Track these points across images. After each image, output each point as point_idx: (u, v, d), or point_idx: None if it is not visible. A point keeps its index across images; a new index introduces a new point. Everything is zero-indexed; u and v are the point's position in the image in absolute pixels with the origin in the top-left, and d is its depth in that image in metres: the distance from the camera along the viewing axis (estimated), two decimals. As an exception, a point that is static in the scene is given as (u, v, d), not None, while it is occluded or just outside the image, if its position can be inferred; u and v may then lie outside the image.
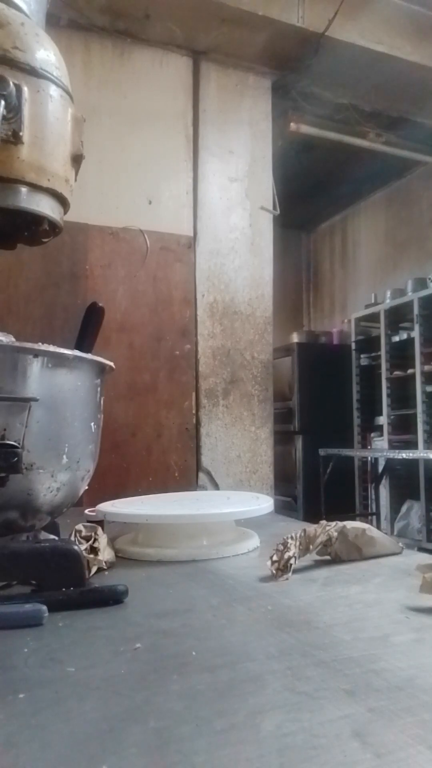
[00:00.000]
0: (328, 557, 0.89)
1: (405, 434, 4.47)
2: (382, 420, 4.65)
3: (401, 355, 4.55)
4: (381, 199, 5.43)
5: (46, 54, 0.85)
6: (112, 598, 0.71)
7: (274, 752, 0.38)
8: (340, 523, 0.91)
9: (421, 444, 4.17)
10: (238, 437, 2.57)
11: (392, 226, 5.29)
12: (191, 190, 2.57)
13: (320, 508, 4.21)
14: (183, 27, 2.49)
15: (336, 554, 0.88)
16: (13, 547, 0.75)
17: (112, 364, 0.93)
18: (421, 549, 3.80)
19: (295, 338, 5.40)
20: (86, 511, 1.07)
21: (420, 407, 4.23)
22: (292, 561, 0.81)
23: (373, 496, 4.73)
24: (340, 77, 2.93)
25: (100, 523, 0.95)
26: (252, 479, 2.58)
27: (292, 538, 0.84)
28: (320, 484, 4.40)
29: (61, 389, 0.82)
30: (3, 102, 0.78)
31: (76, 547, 0.76)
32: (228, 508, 1.05)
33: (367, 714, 0.43)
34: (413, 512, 4.39)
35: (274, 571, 0.80)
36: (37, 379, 0.78)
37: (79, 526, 0.89)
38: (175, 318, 2.47)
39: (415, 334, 4.32)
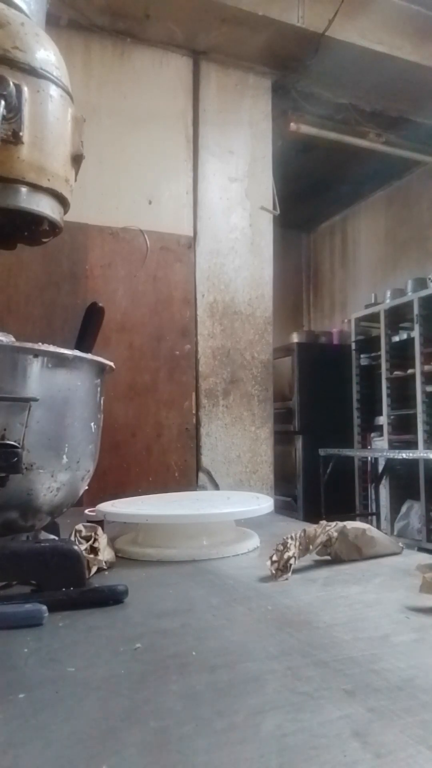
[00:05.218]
0: (328, 557, 0.89)
1: (405, 434, 4.47)
2: (382, 420, 4.65)
3: (401, 355, 4.55)
4: (381, 199, 5.43)
5: (46, 54, 0.85)
6: (112, 598, 0.71)
7: (274, 752, 0.38)
8: (340, 524, 0.91)
9: (421, 444, 4.17)
10: (238, 437, 2.57)
11: (392, 226, 5.29)
12: (191, 190, 2.57)
13: (320, 508, 4.21)
14: (183, 27, 2.49)
15: (336, 554, 0.88)
16: (13, 547, 0.75)
17: (112, 364, 0.93)
18: (421, 549, 3.80)
19: (295, 338, 5.40)
20: (86, 511, 1.07)
21: (420, 407, 4.23)
22: (292, 561, 0.81)
23: (373, 496, 4.72)
24: (340, 77, 2.93)
25: (100, 523, 0.95)
26: (252, 479, 2.58)
27: (292, 538, 0.84)
28: (320, 484, 4.40)
29: (61, 389, 0.82)
30: (3, 102, 0.78)
31: (76, 547, 0.76)
32: (228, 508, 1.05)
33: (367, 714, 0.43)
34: (413, 512, 4.39)
35: (274, 571, 0.80)
36: (37, 379, 0.78)
37: (79, 526, 0.89)
38: (175, 318, 2.47)
39: (415, 334, 4.32)
